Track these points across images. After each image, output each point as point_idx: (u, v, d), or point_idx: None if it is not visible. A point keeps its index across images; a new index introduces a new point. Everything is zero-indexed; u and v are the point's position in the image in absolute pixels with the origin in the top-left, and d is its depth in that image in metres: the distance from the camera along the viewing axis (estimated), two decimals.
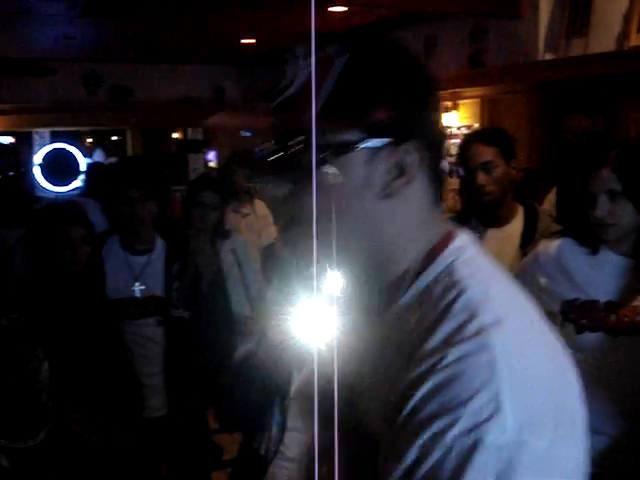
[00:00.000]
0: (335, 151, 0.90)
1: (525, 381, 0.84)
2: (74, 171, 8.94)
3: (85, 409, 2.42)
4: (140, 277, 2.84)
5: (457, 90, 6.38)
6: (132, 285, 2.82)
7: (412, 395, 0.86)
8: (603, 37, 5.31)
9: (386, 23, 6.76)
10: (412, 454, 0.83)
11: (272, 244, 4.81)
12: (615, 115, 5.23)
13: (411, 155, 0.92)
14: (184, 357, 2.85)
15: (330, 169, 0.90)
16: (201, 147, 10.15)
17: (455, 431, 0.81)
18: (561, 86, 5.51)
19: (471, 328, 0.85)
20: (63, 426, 1.85)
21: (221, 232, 3.66)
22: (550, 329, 0.94)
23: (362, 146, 0.91)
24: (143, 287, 2.82)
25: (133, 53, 8.59)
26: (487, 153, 2.49)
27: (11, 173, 3.13)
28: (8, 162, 3.19)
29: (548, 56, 5.78)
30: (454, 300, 0.89)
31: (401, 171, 0.92)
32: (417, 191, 0.95)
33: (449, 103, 6.72)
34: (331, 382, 1.10)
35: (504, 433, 0.80)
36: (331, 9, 6.12)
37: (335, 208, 0.90)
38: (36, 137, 9.94)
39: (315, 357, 1.16)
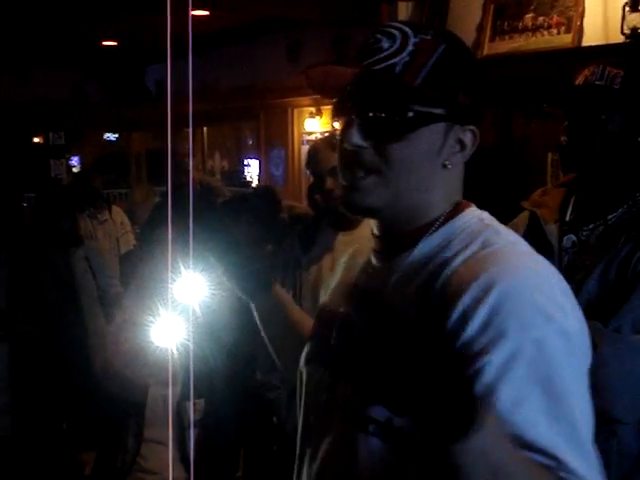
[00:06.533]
0: (424, 120, 1.07)
1: (557, 285, 1.04)
2: None
3: None
4: None
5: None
6: None
7: (470, 318, 0.97)
8: None
9: (249, 28, 6.76)
10: (496, 362, 0.94)
11: (131, 251, 4.71)
12: None
13: (471, 135, 1.11)
14: (32, 373, 2.74)
15: (414, 133, 1.07)
16: (63, 152, 9.81)
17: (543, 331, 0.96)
18: None
19: (513, 254, 1.05)
20: None
21: (73, 240, 3.56)
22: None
23: (446, 121, 1.08)
24: None
25: None
26: (335, 159, 2.52)
27: None
28: None
29: None
30: (490, 237, 1.08)
31: (462, 147, 1.11)
32: (462, 166, 1.15)
33: (313, 109, 6.79)
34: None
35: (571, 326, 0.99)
36: (194, 13, 6.05)
37: (407, 168, 1.08)
38: None
39: (170, 361, 1.19)
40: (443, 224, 1.12)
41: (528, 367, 0.95)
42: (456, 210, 1.13)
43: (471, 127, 1.11)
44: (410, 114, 1.06)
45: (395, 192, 1.09)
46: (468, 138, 1.11)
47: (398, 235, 1.14)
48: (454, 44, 1.11)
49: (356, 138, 1.09)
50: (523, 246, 1.10)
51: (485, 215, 1.15)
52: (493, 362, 0.94)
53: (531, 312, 0.97)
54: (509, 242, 1.08)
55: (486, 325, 0.96)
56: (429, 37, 1.08)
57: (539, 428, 0.93)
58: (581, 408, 0.98)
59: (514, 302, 0.97)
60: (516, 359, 0.94)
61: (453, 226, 1.12)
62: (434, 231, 1.11)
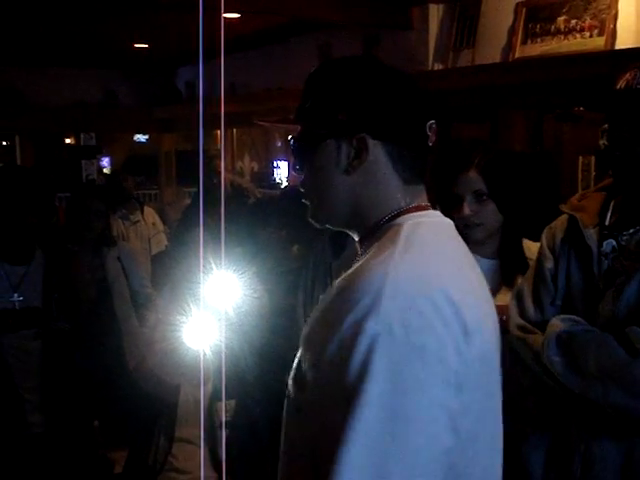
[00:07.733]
0: (315, 141, 1.26)
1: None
2: None
3: None
4: (18, 288, 2.74)
5: None
6: (10, 296, 2.72)
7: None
8: (489, 49, 5.48)
9: (280, 30, 6.78)
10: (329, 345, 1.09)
11: (163, 252, 4.74)
12: (500, 123, 5.41)
13: (364, 143, 1.23)
14: (65, 370, 2.76)
15: (315, 153, 1.26)
16: (94, 153, 9.90)
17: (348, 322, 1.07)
18: (449, 96, 5.67)
19: (379, 269, 1.13)
20: None
21: (107, 240, 3.58)
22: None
23: (331, 137, 1.25)
24: (21, 298, 2.73)
25: (22, 56, 8.30)
26: None
27: None
28: None
29: (437, 66, 5.92)
30: (385, 244, 1.18)
31: (357, 154, 1.24)
32: (377, 170, 1.25)
33: None
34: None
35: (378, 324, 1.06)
36: (225, 15, 6.07)
37: (321, 182, 1.27)
38: None
39: (202, 361, 1.18)
40: (380, 227, 1.25)
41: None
42: (398, 215, 1.25)
43: (360, 135, 1.24)
44: (305, 138, 1.28)
45: (325, 208, 1.29)
46: (360, 146, 1.24)
47: (359, 239, 1.30)
48: (332, 71, 1.31)
49: (294, 166, 1.31)
50: (407, 249, 1.17)
51: (417, 221, 1.24)
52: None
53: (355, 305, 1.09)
54: (393, 247, 1.16)
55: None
56: (318, 71, 1.31)
57: None
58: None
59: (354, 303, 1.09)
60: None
61: (382, 230, 1.24)
62: (373, 234, 1.25)
